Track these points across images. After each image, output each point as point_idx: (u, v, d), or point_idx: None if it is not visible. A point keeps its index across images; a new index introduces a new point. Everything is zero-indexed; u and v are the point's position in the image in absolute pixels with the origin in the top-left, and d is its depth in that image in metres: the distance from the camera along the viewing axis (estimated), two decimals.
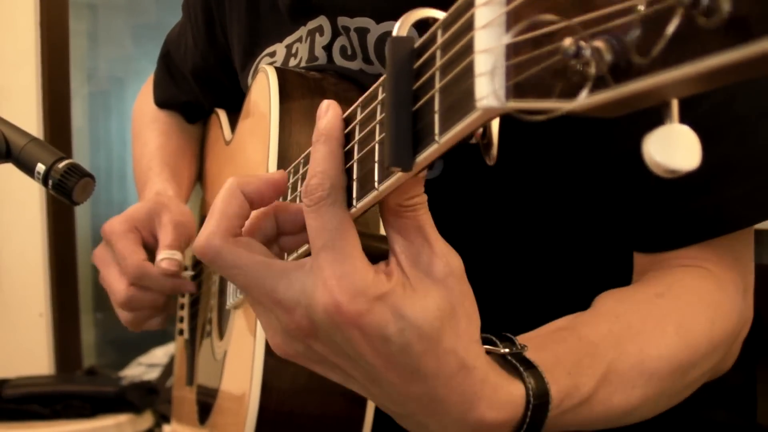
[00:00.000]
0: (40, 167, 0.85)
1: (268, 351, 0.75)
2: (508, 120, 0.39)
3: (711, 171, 0.68)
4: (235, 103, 1.13)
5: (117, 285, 0.99)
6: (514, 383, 0.56)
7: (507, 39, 0.34)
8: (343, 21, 0.84)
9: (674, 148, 0.29)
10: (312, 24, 0.88)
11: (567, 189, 0.78)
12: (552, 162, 0.77)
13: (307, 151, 0.58)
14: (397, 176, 0.48)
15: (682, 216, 0.72)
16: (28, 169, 0.87)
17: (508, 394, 0.55)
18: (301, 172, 0.62)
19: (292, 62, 0.92)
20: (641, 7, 0.27)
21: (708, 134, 0.66)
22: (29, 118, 2.60)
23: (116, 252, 0.99)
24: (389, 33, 0.81)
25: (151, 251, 1.01)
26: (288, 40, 0.93)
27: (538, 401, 0.56)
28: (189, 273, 1.05)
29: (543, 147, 0.75)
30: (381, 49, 0.82)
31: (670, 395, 0.69)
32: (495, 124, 0.44)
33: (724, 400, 0.89)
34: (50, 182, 0.85)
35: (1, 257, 2.64)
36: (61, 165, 0.85)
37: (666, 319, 0.68)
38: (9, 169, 0.89)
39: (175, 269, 0.98)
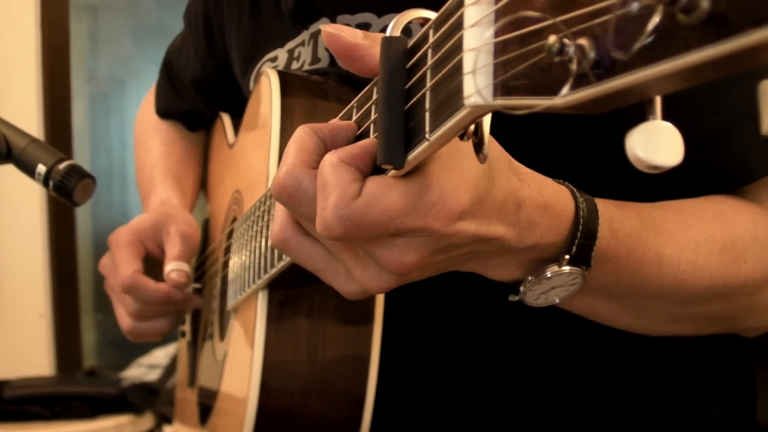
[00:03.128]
0: (41, 168, 0.86)
1: (267, 351, 0.76)
2: (500, 117, 0.39)
3: (729, 122, 0.69)
4: (235, 110, 1.14)
5: (126, 296, 1.01)
6: (561, 186, 0.59)
7: (494, 36, 0.34)
8: (343, 19, 0.85)
9: (657, 144, 0.29)
10: (314, 27, 0.89)
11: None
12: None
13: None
14: (391, 173, 0.48)
15: (704, 168, 0.71)
16: (29, 170, 0.87)
17: (555, 186, 0.58)
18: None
19: (295, 65, 0.93)
20: (617, 4, 0.27)
21: (722, 88, 0.64)
22: (30, 120, 2.60)
23: (113, 261, 1.01)
24: None
25: (157, 262, 1.03)
26: (290, 44, 0.93)
27: (586, 201, 0.58)
28: (196, 285, 1.07)
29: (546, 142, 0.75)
30: None
31: (724, 283, 0.67)
32: (486, 124, 0.44)
33: (723, 397, 0.90)
34: (51, 183, 0.86)
35: (2, 258, 2.64)
36: (62, 166, 0.85)
37: (704, 209, 0.68)
38: (9, 170, 0.90)
39: (183, 281, 1.00)
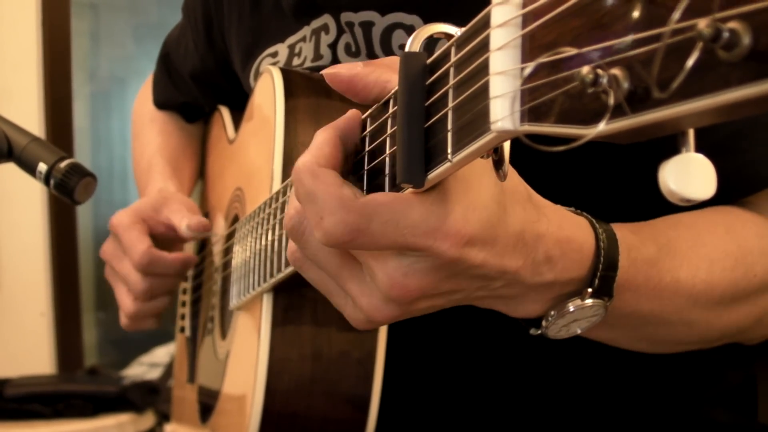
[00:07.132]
0: (42, 167, 0.86)
1: (272, 353, 0.76)
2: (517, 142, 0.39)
3: (738, 131, 0.69)
4: (234, 104, 1.14)
5: (133, 276, 0.99)
6: (580, 218, 0.59)
7: (523, 63, 0.34)
8: (347, 17, 0.84)
9: (690, 176, 0.29)
10: (316, 23, 0.89)
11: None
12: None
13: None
14: (408, 190, 0.48)
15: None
16: (30, 169, 0.87)
17: (575, 218, 0.58)
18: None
19: (296, 62, 0.92)
20: (655, 36, 0.27)
21: None
22: (31, 118, 2.60)
23: (122, 243, 0.99)
24: (395, 25, 0.81)
25: (160, 241, 1.02)
26: (290, 39, 0.93)
27: (606, 231, 0.58)
28: (221, 234, 1.06)
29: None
30: (386, 42, 0.82)
31: (735, 298, 0.67)
32: (507, 142, 0.44)
33: (725, 399, 0.90)
34: (52, 182, 0.86)
35: (3, 257, 2.64)
36: (63, 164, 0.86)
37: (716, 223, 0.68)
38: (11, 168, 0.90)
39: (201, 228, 1.00)
